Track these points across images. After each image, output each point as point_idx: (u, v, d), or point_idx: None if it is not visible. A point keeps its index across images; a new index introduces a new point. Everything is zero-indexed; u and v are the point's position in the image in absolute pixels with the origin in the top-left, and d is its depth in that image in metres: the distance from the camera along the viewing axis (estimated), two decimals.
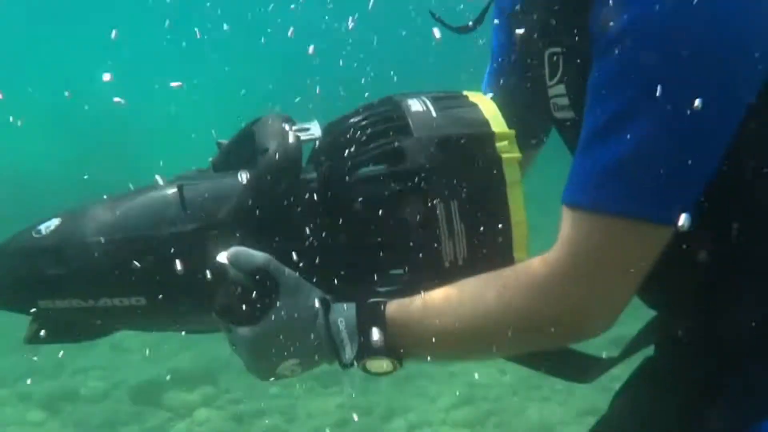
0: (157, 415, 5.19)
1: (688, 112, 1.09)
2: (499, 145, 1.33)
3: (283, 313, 1.28)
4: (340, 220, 1.31)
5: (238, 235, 1.29)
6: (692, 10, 1.07)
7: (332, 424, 4.92)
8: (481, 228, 1.30)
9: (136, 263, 1.27)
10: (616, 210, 1.18)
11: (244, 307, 1.27)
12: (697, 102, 1.09)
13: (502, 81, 1.58)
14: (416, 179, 1.30)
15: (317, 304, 1.30)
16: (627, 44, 1.11)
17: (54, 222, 1.33)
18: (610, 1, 1.12)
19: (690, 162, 1.14)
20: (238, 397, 5.35)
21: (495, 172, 1.32)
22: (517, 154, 1.33)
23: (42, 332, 1.33)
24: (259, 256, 1.29)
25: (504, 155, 1.33)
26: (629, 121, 1.13)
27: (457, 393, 5.20)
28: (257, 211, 1.30)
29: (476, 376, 5.40)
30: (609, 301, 1.23)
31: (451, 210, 1.30)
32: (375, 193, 1.31)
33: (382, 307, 1.30)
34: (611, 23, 1.12)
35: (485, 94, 1.45)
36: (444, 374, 5.50)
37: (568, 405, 5.05)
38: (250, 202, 1.30)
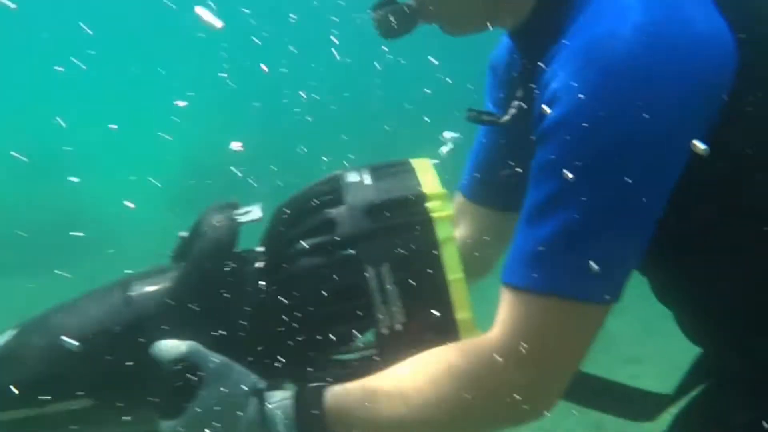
0: None
1: (616, 195, 1.15)
2: (429, 204, 1.35)
3: (205, 403, 1.25)
4: (281, 295, 1.32)
5: (168, 327, 1.30)
6: (617, 103, 1.12)
7: None
8: (416, 290, 1.29)
9: (78, 365, 1.29)
10: (546, 290, 1.19)
11: (167, 400, 1.26)
12: (624, 186, 1.13)
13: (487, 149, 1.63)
14: (346, 247, 1.32)
15: (249, 392, 1.27)
16: (559, 134, 1.15)
17: (6, 334, 1.36)
18: (546, 95, 1.18)
19: (620, 242, 1.18)
20: None
21: (426, 232, 1.32)
22: (448, 212, 1.34)
23: None
24: (181, 345, 1.28)
25: (434, 214, 1.33)
26: (560, 205, 1.16)
27: None
28: (190, 298, 1.31)
29: None
30: (554, 379, 1.24)
31: (382, 274, 1.30)
32: (307, 264, 1.32)
33: (320, 395, 1.27)
34: (547, 112, 1.17)
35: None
36: None
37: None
38: (179, 290, 1.32)
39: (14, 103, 13.00)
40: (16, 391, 1.29)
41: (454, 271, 1.30)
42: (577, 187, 1.15)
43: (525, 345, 1.20)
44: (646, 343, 5.90)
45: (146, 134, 9.26)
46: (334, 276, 1.30)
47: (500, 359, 1.21)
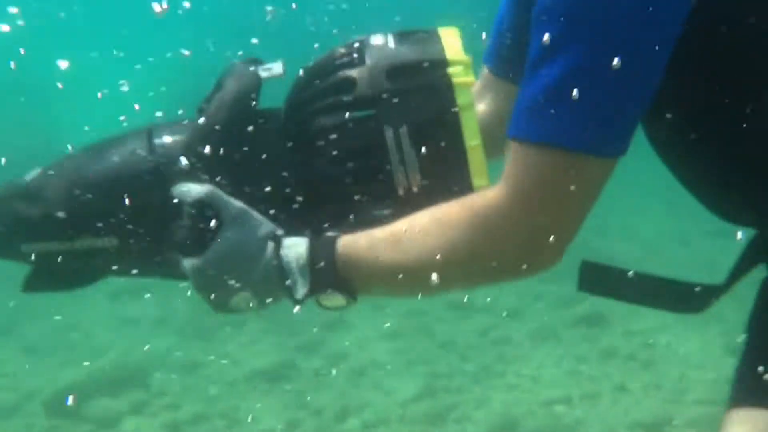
0: (78, 428, 4.61)
1: (614, 39, 1.14)
2: (450, 70, 1.34)
3: (225, 243, 1.32)
4: (299, 153, 1.35)
5: (190, 174, 1.33)
6: None
7: (280, 429, 4.46)
8: (433, 154, 1.31)
9: (102, 203, 1.33)
10: (545, 140, 1.19)
11: (188, 239, 1.32)
12: (623, 30, 1.13)
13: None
14: (366, 106, 1.33)
15: (266, 236, 1.32)
16: None
17: (35, 171, 1.40)
18: None
19: (622, 90, 1.16)
20: (172, 401, 4.87)
21: (446, 97, 1.32)
22: (469, 79, 1.34)
23: (36, 280, 1.41)
24: (199, 188, 1.33)
25: (455, 80, 1.33)
26: (558, 52, 1.15)
27: (416, 385, 4.90)
28: (209, 146, 1.33)
29: (436, 367, 5.05)
30: (552, 235, 1.23)
31: (400, 135, 1.31)
32: (326, 123, 1.34)
33: (333, 242, 1.31)
34: None
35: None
36: (401, 364, 5.26)
37: (534, 393, 4.77)
38: (200, 137, 1.34)
39: None
40: (46, 223, 1.35)
41: (472, 138, 1.32)
42: (574, 33, 1.15)
43: (527, 194, 1.22)
44: (655, 266, 5.99)
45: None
46: (353, 135, 1.32)
47: (503, 208, 1.23)
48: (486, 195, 1.26)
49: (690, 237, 7.46)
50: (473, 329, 5.62)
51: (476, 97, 1.68)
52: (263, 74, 1.38)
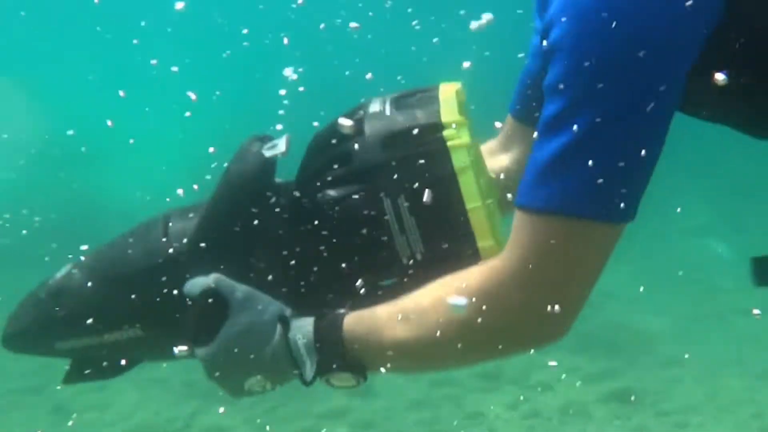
0: None
1: (626, 107, 1.16)
2: (445, 133, 1.33)
3: (233, 330, 1.33)
4: (308, 228, 1.36)
5: (200, 259, 1.36)
6: (610, 18, 1.14)
7: None
8: (434, 220, 1.30)
9: (125, 298, 1.38)
10: (551, 208, 1.19)
11: (199, 330, 1.34)
12: (624, 100, 1.16)
13: None
14: (363, 179, 1.33)
15: (274, 319, 1.32)
16: (559, 55, 1.18)
17: (65, 268, 1.46)
18: (546, 17, 1.21)
19: (626, 158, 1.17)
20: None
21: (441, 161, 1.31)
22: (464, 140, 1.33)
23: (74, 373, 1.46)
24: (204, 280, 1.35)
25: (449, 143, 1.32)
26: (564, 123, 1.17)
27: None
28: (215, 231, 1.37)
29: None
30: (559, 305, 1.21)
31: (399, 205, 1.31)
32: (330, 197, 1.35)
33: (340, 321, 1.31)
34: (553, 31, 1.19)
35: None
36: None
37: None
38: (207, 225, 1.38)
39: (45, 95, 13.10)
40: (75, 321, 1.40)
41: (472, 200, 1.31)
42: (578, 104, 1.17)
43: (532, 265, 1.20)
44: (687, 344, 5.90)
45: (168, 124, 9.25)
46: (354, 208, 1.33)
47: (508, 279, 1.22)
48: (491, 265, 1.25)
49: None
50: (503, 401, 5.53)
51: (501, 146, 1.71)
52: (267, 153, 1.40)
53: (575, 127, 1.16)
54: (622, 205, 1.19)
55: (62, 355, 1.45)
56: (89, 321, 1.39)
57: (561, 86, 1.17)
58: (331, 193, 1.35)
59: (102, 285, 1.40)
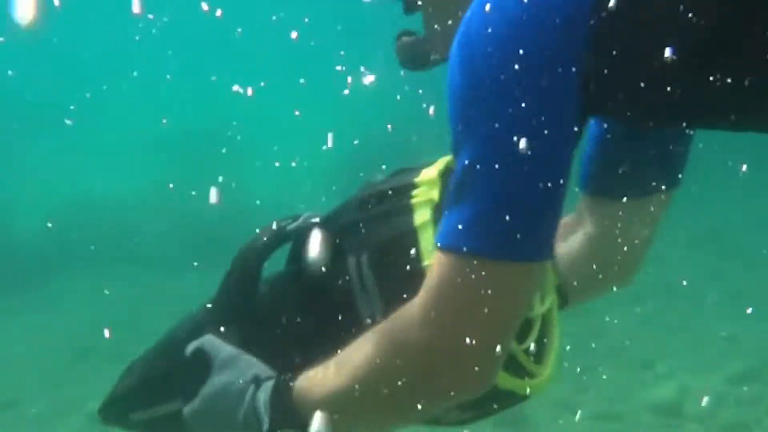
0: None
1: (505, 143, 1.12)
2: (414, 192, 1.34)
3: (211, 388, 1.37)
4: (295, 294, 1.41)
5: (222, 329, 1.41)
6: (481, 65, 1.14)
7: None
8: (395, 278, 1.29)
9: (164, 379, 1.45)
10: (451, 247, 1.16)
11: (189, 388, 1.39)
12: (505, 137, 1.12)
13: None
14: (335, 239, 1.36)
15: (251, 380, 1.34)
16: (448, 89, 1.18)
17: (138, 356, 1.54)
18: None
19: (524, 195, 1.14)
20: None
21: (404, 219, 1.32)
22: (431, 196, 1.32)
23: None
24: (199, 339, 1.41)
25: (414, 200, 1.33)
26: (461, 166, 1.16)
27: None
28: (230, 301, 1.44)
29: None
30: (476, 343, 1.16)
31: (361, 263, 1.32)
32: (305, 260, 1.39)
33: (291, 380, 1.32)
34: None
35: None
36: None
37: None
38: (223, 296, 1.45)
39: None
40: (134, 395, 1.49)
41: (429, 257, 1.26)
42: (460, 142, 1.16)
43: (431, 302, 1.17)
44: None
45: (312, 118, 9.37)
46: (327, 268, 1.36)
47: (411, 318, 1.19)
48: (405, 307, 1.22)
49: None
50: None
51: (575, 224, 1.65)
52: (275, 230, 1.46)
53: (461, 164, 1.15)
54: (515, 241, 1.13)
55: (136, 427, 1.51)
56: (141, 395, 1.47)
57: (452, 119, 1.17)
58: (308, 255, 1.38)
59: (147, 364, 1.49)
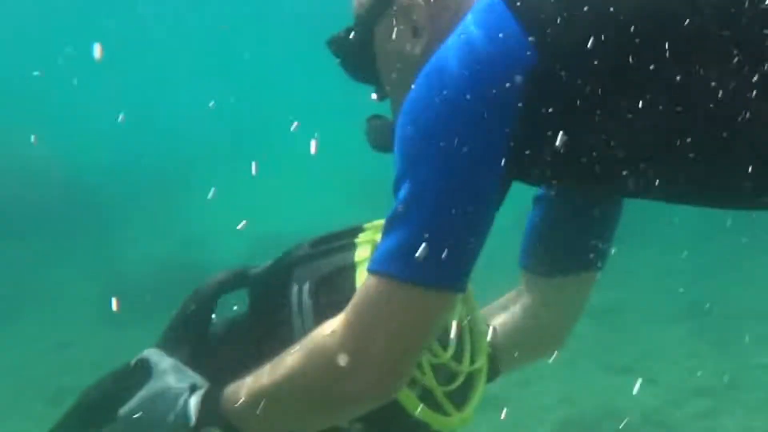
0: None
1: (433, 178, 1.28)
2: (361, 234, 1.53)
3: (149, 392, 1.47)
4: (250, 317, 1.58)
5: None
6: (418, 120, 1.31)
7: None
8: (331, 306, 1.41)
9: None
10: (372, 268, 1.32)
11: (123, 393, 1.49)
12: (447, 180, 1.28)
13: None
14: (286, 271, 1.52)
15: (188, 387, 1.46)
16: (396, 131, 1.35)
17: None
18: None
19: (441, 227, 1.28)
20: None
21: (346, 256, 1.49)
22: (371, 238, 1.48)
23: None
24: (143, 351, 1.54)
25: (357, 239, 1.51)
26: (396, 189, 1.31)
27: None
28: (179, 332, 1.57)
29: None
30: (383, 357, 1.30)
31: (303, 291, 1.48)
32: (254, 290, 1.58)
33: (222, 388, 1.44)
34: None
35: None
36: None
37: None
38: (172, 328, 1.58)
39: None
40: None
41: None
42: (399, 176, 1.31)
43: (355, 318, 1.31)
44: None
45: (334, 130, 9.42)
46: (268, 295, 1.52)
47: (335, 331, 1.33)
48: (334, 318, 1.36)
49: None
50: None
51: (516, 297, 1.79)
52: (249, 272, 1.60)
53: (396, 202, 1.30)
54: (429, 270, 1.27)
55: None
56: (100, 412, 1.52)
57: (396, 153, 1.33)
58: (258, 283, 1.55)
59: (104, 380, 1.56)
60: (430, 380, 1.45)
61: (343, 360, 1.31)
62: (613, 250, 1.71)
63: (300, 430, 1.44)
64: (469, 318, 1.59)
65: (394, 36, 1.50)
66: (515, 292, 1.80)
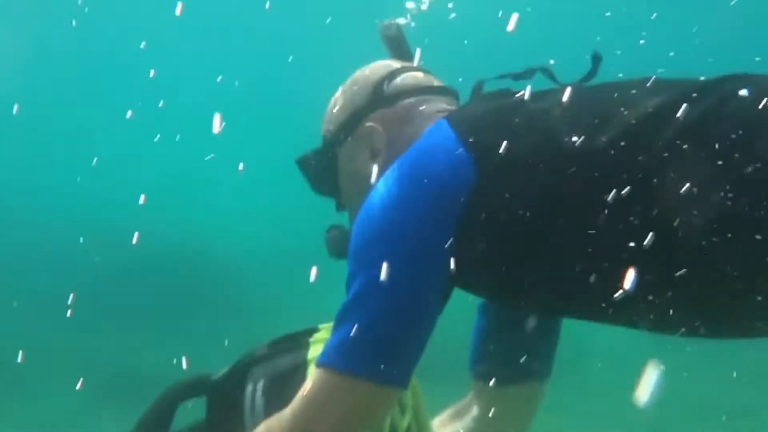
0: None
1: (385, 290, 1.37)
2: (314, 334, 1.63)
3: None
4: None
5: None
6: (369, 233, 1.43)
7: None
8: (280, 400, 1.48)
9: None
10: (320, 360, 1.42)
11: None
12: (391, 283, 1.37)
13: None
14: (245, 369, 1.63)
15: None
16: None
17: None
18: None
19: (388, 322, 1.38)
20: None
21: (299, 354, 1.59)
22: (325, 337, 1.53)
23: None
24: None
25: (312, 339, 1.61)
26: (347, 288, 1.42)
27: None
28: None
29: None
30: None
31: (256, 389, 1.57)
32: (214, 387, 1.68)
33: None
34: None
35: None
36: None
37: None
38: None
39: None
40: None
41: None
42: (353, 284, 1.41)
43: (301, 407, 1.40)
44: None
45: None
46: (224, 393, 1.62)
47: (284, 417, 1.42)
48: (280, 412, 1.46)
49: None
50: None
51: (468, 405, 1.85)
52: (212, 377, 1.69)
53: (346, 299, 1.41)
54: (370, 365, 1.37)
55: None
56: None
57: (350, 254, 1.44)
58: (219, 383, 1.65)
59: None
60: None
61: None
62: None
63: None
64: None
65: (355, 158, 1.66)
66: (469, 398, 1.85)
